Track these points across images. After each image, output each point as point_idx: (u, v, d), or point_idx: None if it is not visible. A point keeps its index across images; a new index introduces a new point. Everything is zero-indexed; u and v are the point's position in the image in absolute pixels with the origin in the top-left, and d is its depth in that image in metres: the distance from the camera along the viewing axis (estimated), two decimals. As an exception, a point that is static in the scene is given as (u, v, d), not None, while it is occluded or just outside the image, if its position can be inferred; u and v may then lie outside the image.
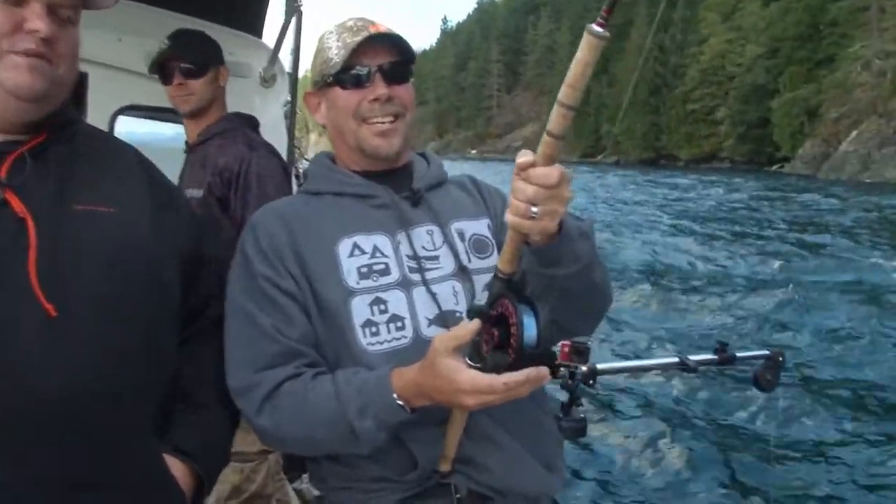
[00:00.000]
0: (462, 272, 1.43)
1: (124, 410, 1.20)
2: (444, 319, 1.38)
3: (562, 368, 1.66)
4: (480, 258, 1.47)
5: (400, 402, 1.26)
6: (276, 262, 1.38)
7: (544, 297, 1.24)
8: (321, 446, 1.36)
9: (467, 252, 1.47)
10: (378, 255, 1.42)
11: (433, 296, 1.40)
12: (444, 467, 1.40)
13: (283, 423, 1.30)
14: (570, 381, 1.66)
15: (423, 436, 1.37)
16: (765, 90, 60.44)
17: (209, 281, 1.45)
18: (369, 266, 1.40)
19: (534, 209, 1.10)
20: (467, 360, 1.23)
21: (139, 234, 1.27)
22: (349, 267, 1.40)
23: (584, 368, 1.67)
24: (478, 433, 1.40)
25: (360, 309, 1.37)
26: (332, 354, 1.40)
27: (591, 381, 1.67)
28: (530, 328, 1.14)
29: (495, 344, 1.18)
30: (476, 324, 1.19)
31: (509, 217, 1.13)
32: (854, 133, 43.55)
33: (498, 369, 1.17)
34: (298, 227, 1.42)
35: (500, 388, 1.15)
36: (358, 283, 1.40)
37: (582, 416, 1.62)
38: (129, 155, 1.39)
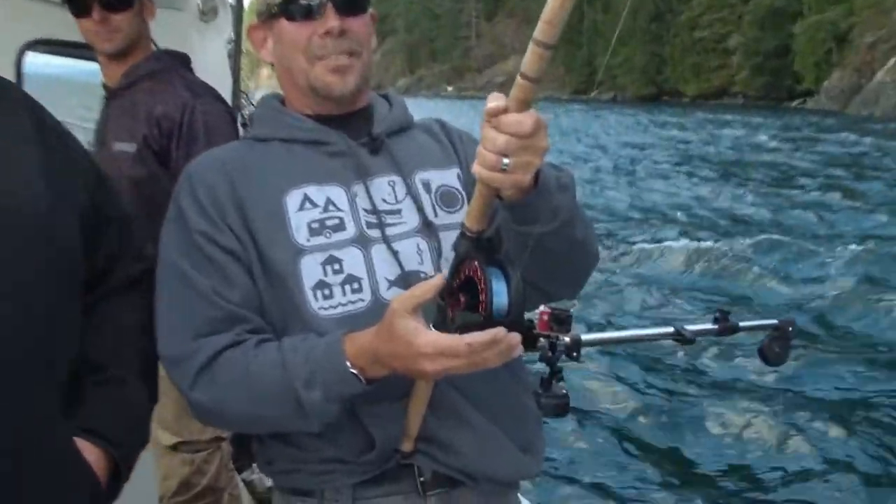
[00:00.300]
0: (427, 228, 1.44)
1: (22, 389, 1.17)
2: (407, 281, 1.39)
3: (541, 339, 1.70)
4: (449, 212, 1.47)
5: (353, 371, 1.27)
6: (215, 216, 1.38)
7: (520, 256, 1.23)
8: (266, 422, 1.37)
9: (434, 205, 1.47)
10: (332, 208, 1.42)
11: (394, 254, 1.40)
12: (406, 447, 1.41)
13: (222, 396, 1.31)
14: (550, 354, 1.69)
15: (381, 412, 1.39)
16: (785, 13, 59.86)
17: (114, 238, 1.44)
18: (321, 221, 1.40)
19: (505, 161, 1.11)
20: (431, 327, 1.26)
21: (25, 185, 1.23)
22: (299, 222, 1.40)
23: (566, 339, 1.70)
24: (445, 409, 1.41)
25: (310, 269, 1.37)
26: (278, 320, 1.40)
27: (574, 354, 1.69)
28: (500, 294, 1.16)
29: (462, 308, 1.22)
30: (438, 280, 1.21)
31: (477, 169, 1.14)
32: (892, 61, 43.31)
33: (468, 326, 1.21)
34: (241, 176, 1.42)
35: (464, 349, 1.16)
36: (308, 241, 1.40)
37: (564, 392, 1.65)
38: (11, 93, 1.36)
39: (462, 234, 1.21)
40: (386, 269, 1.39)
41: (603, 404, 6.01)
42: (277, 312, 1.40)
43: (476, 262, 1.18)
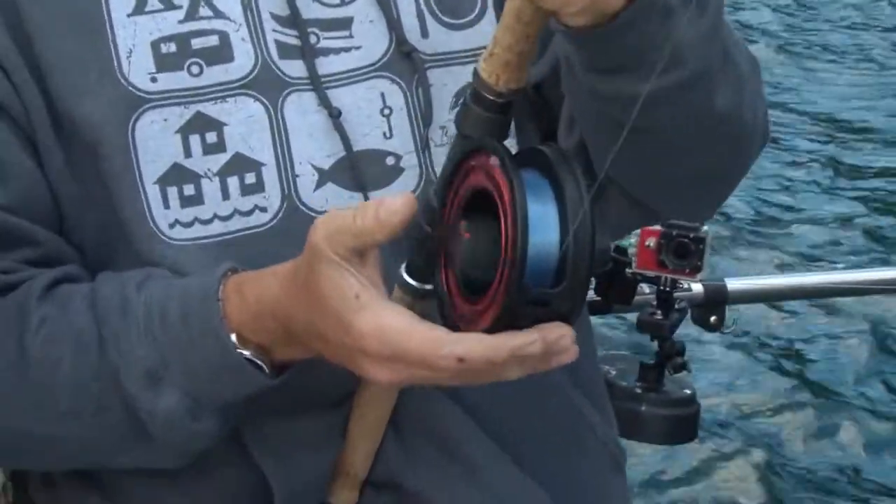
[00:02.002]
0: (404, 60, 1.04)
1: None
2: (359, 174, 1.02)
3: (643, 286, 1.41)
4: (452, 26, 1.05)
5: (244, 353, 0.89)
6: None
7: (597, 140, 0.92)
8: (67, 452, 1.01)
9: (421, 10, 1.06)
10: (204, 10, 1.03)
11: (333, 114, 1.01)
12: (341, 497, 1.02)
13: None
14: (660, 316, 1.38)
15: (285, 433, 1.02)
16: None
17: None
18: (183, 38, 1.02)
19: None
20: (403, 276, 0.87)
21: None
22: (133, 39, 1.02)
23: (695, 287, 1.50)
24: (424, 433, 1.03)
25: (157, 140, 1.01)
26: (91, 243, 1.04)
27: (712, 318, 1.52)
28: (543, 233, 0.77)
29: (461, 255, 0.84)
30: (407, 200, 0.81)
31: None
32: None
33: (460, 316, 0.83)
34: None
35: (449, 361, 0.79)
36: (155, 80, 1.02)
37: (689, 393, 1.39)
38: None
39: (474, 95, 0.85)
40: (315, 145, 1.01)
41: (762, 419, 4.68)
42: (89, 226, 1.03)
43: (498, 160, 0.80)
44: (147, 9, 1.01)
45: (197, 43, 1.02)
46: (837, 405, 4.46)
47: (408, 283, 0.86)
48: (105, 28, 1.01)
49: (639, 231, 1.37)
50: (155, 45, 1.01)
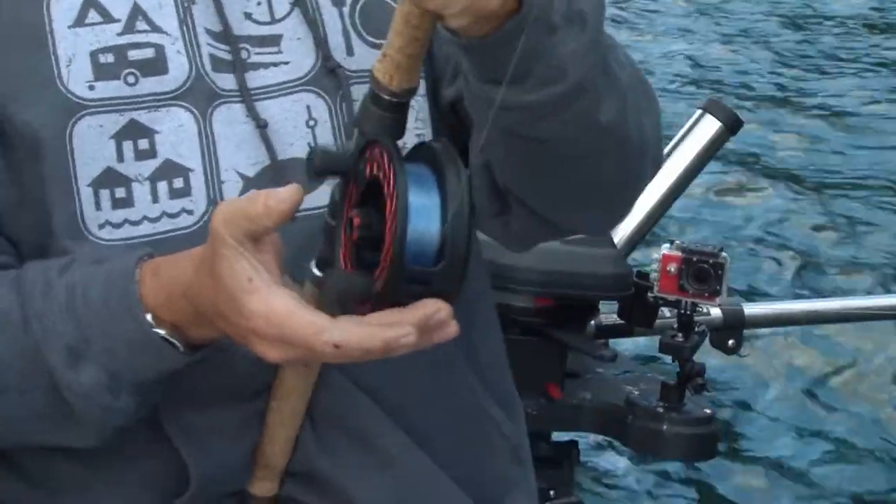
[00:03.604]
0: (329, 76, 1.08)
1: None
2: (283, 182, 0.98)
3: (664, 310, 1.47)
4: (375, 45, 1.09)
5: (160, 332, 0.93)
6: None
7: (492, 150, 0.95)
8: None
9: (347, 29, 1.10)
10: (141, 24, 1.06)
11: (260, 124, 1.05)
12: (261, 488, 1.05)
13: None
14: (680, 338, 1.43)
15: (204, 418, 1.05)
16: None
17: None
18: (120, 49, 1.05)
19: None
20: (313, 269, 0.89)
21: None
22: (73, 49, 1.05)
23: (714, 311, 1.52)
24: (339, 422, 1.07)
25: (92, 145, 1.03)
26: (25, 246, 1.05)
27: (730, 342, 1.54)
28: (422, 216, 0.81)
29: (353, 242, 0.86)
30: (294, 189, 0.85)
31: None
32: None
33: (347, 295, 0.83)
34: None
35: (327, 346, 0.80)
36: (92, 88, 1.04)
37: (708, 413, 1.43)
38: None
39: (371, 96, 0.88)
40: (241, 154, 1.04)
41: (783, 440, 4.58)
42: (23, 226, 1.04)
43: (385, 150, 0.84)
44: (87, 21, 1.04)
45: (134, 54, 1.04)
46: (854, 428, 4.48)
47: (315, 276, 0.89)
48: (47, 39, 1.03)
49: (660, 257, 1.42)
50: (94, 55, 1.03)
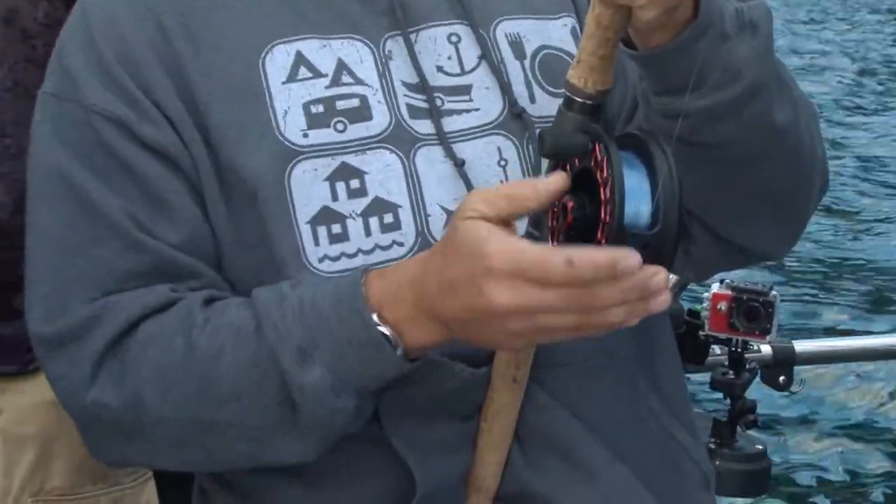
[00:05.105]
0: (515, 120, 1.13)
1: None
2: None
3: (715, 347, 1.47)
4: (553, 94, 1.13)
5: (383, 330, 0.97)
6: (133, 90, 1.10)
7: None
8: (222, 440, 1.08)
9: (529, 80, 1.15)
10: (347, 79, 1.12)
11: (457, 165, 1.10)
12: None
13: (143, 393, 1.04)
14: (731, 375, 1.45)
15: (424, 436, 1.08)
16: None
17: None
18: (329, 101, 1.11)
19: None
20: None
21: None
22: (288, 101, 1.11)
23: (764, 348, 1.52)
24: (544, 442, 1.09)
25: (308, 187, 1.09)
26: (248, 280, 1.11)
27: (781, 378, 1.54)
28: (637, 194, 0.89)
29: (567, 225, 0.94)
30: (560, 178, 0.91)
31: None
32: None
33: None
34: (181, 21, 1.13)
35: (559, 270, 0.85)
36: (306, 136, 1.10)
37: (760, 448, 1.45)
38: None
39: (567, 102, 0.95)
40: (443, 189, 1.10)
41: (833, 476, 4.43)
42: (246, 266, 1.11)
43: (596, 142, 0.92)
44: (299, 77, 1.12)
45: (341, 104, 1.13)
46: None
47: None
48: (263, 95, 1.12)
49: (711, 295, 1.45)
50: (306, 107, 1.12)
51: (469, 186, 1.11)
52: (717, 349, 1.48)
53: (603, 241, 0.90)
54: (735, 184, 1.06)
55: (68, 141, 1.14)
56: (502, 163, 1.16)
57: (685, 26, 0.93)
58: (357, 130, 1.15)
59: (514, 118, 1.18)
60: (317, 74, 1.16)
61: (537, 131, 1.14)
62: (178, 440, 1.10)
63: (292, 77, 1.16)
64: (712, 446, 1.41)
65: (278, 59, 1.16)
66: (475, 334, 1.01)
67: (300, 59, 1.15)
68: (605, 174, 0.90)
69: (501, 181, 1.15)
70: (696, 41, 0.94)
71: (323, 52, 1.17)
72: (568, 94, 0.97)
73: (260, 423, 1.06)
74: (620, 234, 0.88)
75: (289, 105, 1.15)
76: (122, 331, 1.07)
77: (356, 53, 1.18)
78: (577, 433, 1.12)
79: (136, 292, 1.08)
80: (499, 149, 1.18)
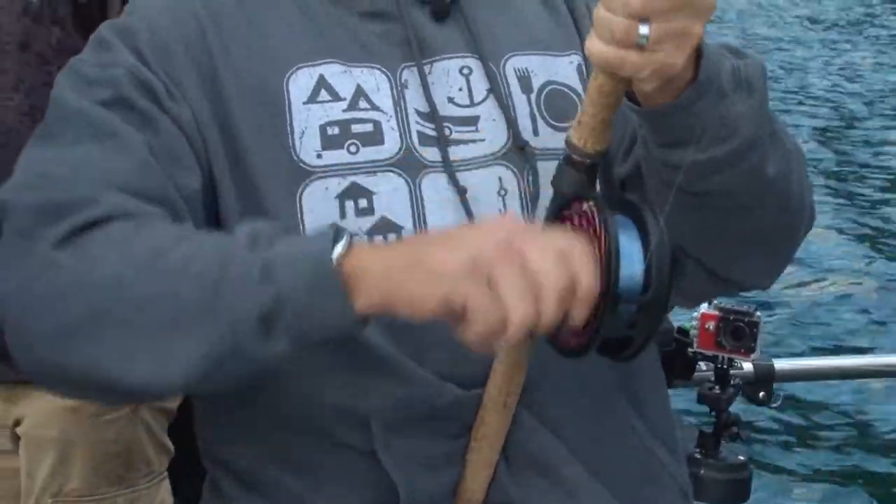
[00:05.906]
0: (519, 153, 1.18)
1: None
2: None
3: (701, 364, 1.50)
4: (557, 128, 1.20)
5: (337, 280, 1.00)
6: (165, 77, 1.15)
7: (663, 206, 1.00)
8: (146, 317, 1.06)
9: (534, 114, 1.21)
10: (363, 104, 1.18)
11: (460, 192, 1.15)
12: None
13: (95, 263, 1.04)
14: (716, 390, 1.47)
15: (416, 449, 1.13)
16: None
17: None
18: (345, 124, 1.17)
19: (643, 30, 0.89)
20: None
21: None
22: (306, 122, 1.17)
23: (747, 366, 1.54)
24: (531, 462, 1.14)
25: (319, 204, 1.14)
26: None
27: (761, 394, 1.56)
28: (630, 259, 0.92)
29: None
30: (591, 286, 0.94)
31: (595, 47, 0.93)
32: None
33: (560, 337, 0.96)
34: (219, 29, 1.18)
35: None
36: (320, 156, 1.15)
37: (741, 460, 1.46)
38: None
39: (567, 159, 1.00)
40: (445, 215, 1.16)
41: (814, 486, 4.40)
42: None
43: (591, 205, 0.97)
44: (319, 99, 1.18)
45: (356, 128, 1.18)
46: (877, 481, 4.50)
47: None
48: (285, 111, 1.17)
49: (699, 315, 1.49)
50: (322, 128, 1.17)
51: (468, 213, 1.17)
52: (703, 365, 1.52)
53: (597, 306, 0.93)
54: (730, 228, 1.12)
55: (91, 91, 1.15)
56: (502, 192, 1.19)
57: (685, 85, 0.97)
58: (369, 153, 1.19)
59: (518, 150, 1.22)
60: (336, 98, 1.20)
61: (538, 163, 1.19)
62: (96, 310, 0.99)
63: (313, 98, 1.20)
64: (698, 456, 1.44)
65: (301, 81, 1.20)
66: (427, 304, 0.94)
67: (322, 83, 1.19)
68: (600, 242, 0.95)
69: (500, 209, 1.19)
70: (696, 100, 0.99)
71: (343, 77, 1.21)
72: (568, 152, 1.02)
73: (186, 302, 1.00)
74: (611, 301, 0.92)
75: (306, 126, 1.19)
76: (107, 215, 1.08)
77: (374, 81, 1.22)
78: (560, 453, 1.17)
79: (132, 199, 1.10)
80: (500, 179, 1.20)
